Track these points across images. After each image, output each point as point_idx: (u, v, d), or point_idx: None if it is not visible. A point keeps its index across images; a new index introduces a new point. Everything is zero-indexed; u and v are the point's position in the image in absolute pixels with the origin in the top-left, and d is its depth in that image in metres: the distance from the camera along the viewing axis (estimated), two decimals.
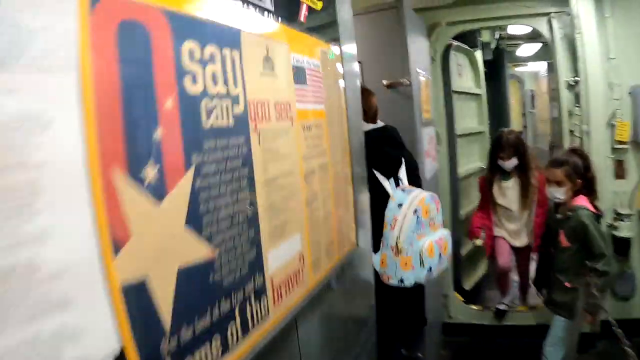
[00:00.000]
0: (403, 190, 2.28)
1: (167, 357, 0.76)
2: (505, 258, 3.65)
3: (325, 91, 1.59)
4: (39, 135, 0.57)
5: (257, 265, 1.08)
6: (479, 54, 5.17)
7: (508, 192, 3.59)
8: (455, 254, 3.89)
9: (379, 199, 2.20)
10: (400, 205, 2.17)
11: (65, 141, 0.61)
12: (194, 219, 0.86)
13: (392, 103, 2.90)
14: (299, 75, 1.39)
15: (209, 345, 0.88)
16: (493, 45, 6.23)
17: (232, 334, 0.96)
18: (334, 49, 1.72)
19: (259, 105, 1.12)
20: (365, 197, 2.02)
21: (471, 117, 4.91)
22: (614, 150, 3.49)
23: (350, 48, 1.92)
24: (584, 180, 2.74)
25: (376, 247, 2.18)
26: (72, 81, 0.62)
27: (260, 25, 1.18)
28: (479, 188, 3.83)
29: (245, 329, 1.00)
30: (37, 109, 0.58)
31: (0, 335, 0.52)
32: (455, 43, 4.24)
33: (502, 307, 3.84)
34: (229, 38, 1.01)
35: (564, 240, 2.71)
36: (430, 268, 2.11)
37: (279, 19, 1.28)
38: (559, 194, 2.75)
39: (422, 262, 2.08)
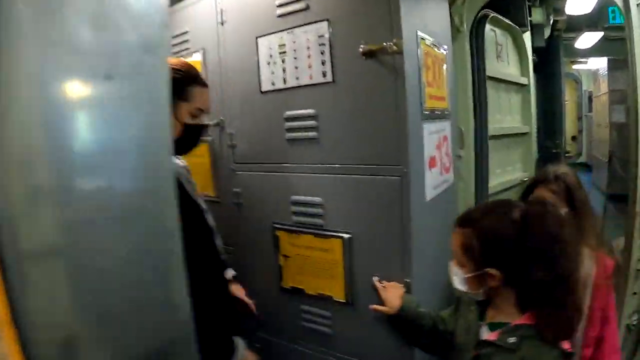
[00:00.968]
0: None
1: None
2: None
3: None
4: None
5: None
6: (527, 37, 3.90)
7: None
8: None
9: None
10: None
11: None
12: None
13: (373, 82, 1.77)
14: None
15: None
16: (547, 32, 4.97)
17: None
18: None
19: None
20: None
21: (512, 114, 3.66)
22: None
23: None
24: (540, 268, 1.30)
25: None
26: None
27: None
28: None
29: None
30: None
31: None
32: (493, 14, 3.02)
33: None
34: None
35: None
36: None
37: None
38: (460, 284, 1.45)
39: None
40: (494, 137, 3.12)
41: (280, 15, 2.01)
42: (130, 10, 0.83)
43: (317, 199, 2.01)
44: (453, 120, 2.34)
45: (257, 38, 2.12)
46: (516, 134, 3.69)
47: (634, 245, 2.55)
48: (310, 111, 1.97)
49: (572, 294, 1.32)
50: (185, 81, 1.69)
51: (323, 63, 1.90)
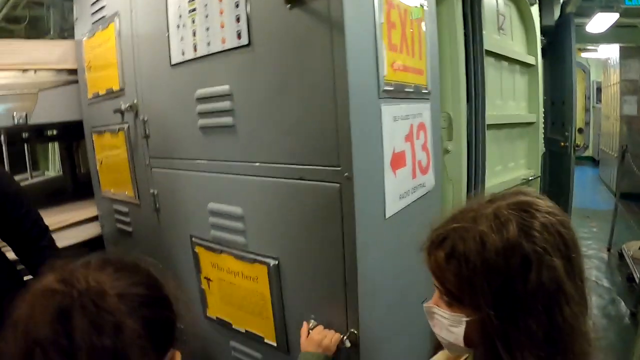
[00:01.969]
0: None
1: None
2: None
3: None
4: None
5: None
6: (535, 11, 3.20)
7: None
8: None
9: None
10: None
11: None
12: None
13: (301, 42, 1.13)
14: None
15: None
16: (557, 11, 4.27)
17: None
18: None
19: None
20: None
21: (517, 100, 2.96)
22: None
23: None
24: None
25: None
26: None
27: None
28: None
29: None
30: None
31: None
32: None
33: None
34: None
35: None
36: None
37: None
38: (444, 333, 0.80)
39: None
40: (494, 126, 2.44)
41: None
42: None
43: (237, 210, 1.39)
44: (435, 102, 1.69)
45: None
46: (521, 124, 3.00)
47: None
48: (223, 88, 1.34)
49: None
50: None
51: (238, 19, 1.26)
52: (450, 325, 0.77)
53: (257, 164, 1.29)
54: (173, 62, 1.51)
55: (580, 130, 10.68)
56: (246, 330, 1.50)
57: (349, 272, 1.16)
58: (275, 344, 1.40)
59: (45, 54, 2.18)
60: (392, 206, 1.30)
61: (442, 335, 0.80)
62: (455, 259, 0.73)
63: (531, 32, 3.09)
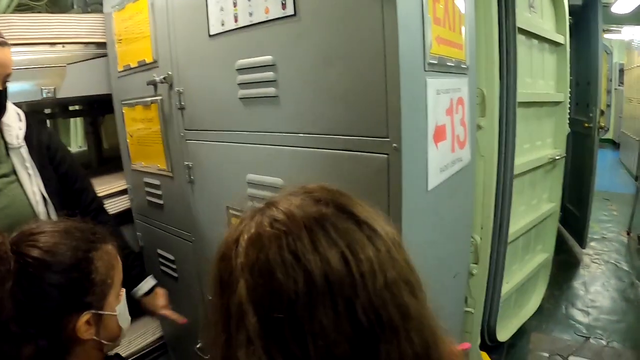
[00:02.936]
0: None
1: None
2: None
3: None
4: None
5: None
6: None
7: None
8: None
9: None
10: None
11: None
12: None
13: (350, 12, 1.13)
14: None
15: None
16: None
17: None
18: None
19: None
20: None
21: (546, 78, 2.93)
22: None
23: None
24: None
25: None
26: None
27: None
28: None
29: None
30: None
31: None
32: None
33: None
34: None
35: None
36: None
37: None
38: None
39: None
40: (523, 104, 2.42)
41: None
42: None
43: (277, 181, 1.40)
44: (472, 78, 1.69)
45: None
46: (548, 103, 2.97)
47: None
48: (266, 58, 1.34)
49: None
50: None
51: None
52: None
53: (301, 134, 1.30)
54: (211, 32, 1.51)
55: (601, 113, 10.56)
56: None
57: None
58: None
59: (74, 27, 2.19)
60: (434, 179, 1.31)
61: None
62: None
63: (560, 10, 3.03)
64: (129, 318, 1.04)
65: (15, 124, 1.44)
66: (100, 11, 2.21)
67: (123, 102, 2.14)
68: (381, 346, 0.49)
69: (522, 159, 2.54)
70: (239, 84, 1.44)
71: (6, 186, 1.38)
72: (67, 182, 1.56)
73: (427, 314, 0.55)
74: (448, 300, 1.72)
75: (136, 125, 2.07)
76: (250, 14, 1.36)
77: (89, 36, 2.23)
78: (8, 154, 1.41)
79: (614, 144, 9.77)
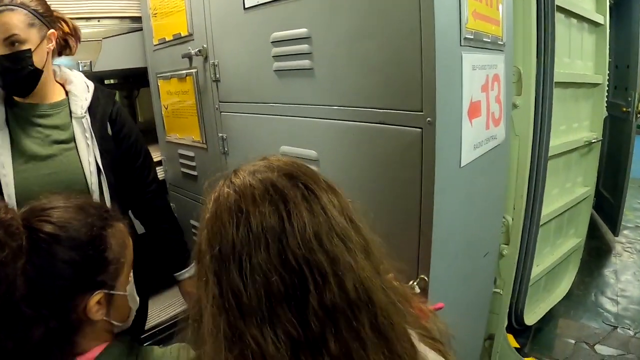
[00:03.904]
0: None
1: None
2: None
3: None
4: None
5: None
6: None
7: None
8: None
9: None
10: None
11: None
12: None
13: None
14: None
15: None
16: None
17: None
18: None
19: None
20: None
21: (584, 59, 2.86)
22: None
23: None
24: None
25: None
26: None
27: None
28: None
29: None
30: None
31: None
32: None
33: None
34: None
35: None
36: None
37: None
38: None
39: None
40: (560, 84, 2.37)
41: None
42: None
43: (311, 153, 1.42)
44: (509, 55, 1.66)
45: None
46: (586, 84, 2.90)
47: None
48: (302, 31, 1.35)
49: None
50: None
51: None
52: None
53: (335, 107, 1.31)
54: (247, 5, 1.52)
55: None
56: None
57: (424, 218, 1.18)
58: None
59: (108, 2, 2.23)
60: (467, 155, 1.31)
61: None
62: None
63: None
64: (138, 299, 1.01)
65: (82, 94, 1.48)
66: None
67: (158, 75, 2.18)
68: (311, 286, 0.60)
69: (558, 141, 2.49)
70: (273, 57, 1.46)
71: (62, 152, 1.42)
72: (129, 158, 1.60)
73: (368, 271, 0.64)
74: (477, 280, 1.72)
75: (171, 98, 2.12)
76: None
77: (124, 11, 2.27)
78: (71, 122, 1.46)
79: None
